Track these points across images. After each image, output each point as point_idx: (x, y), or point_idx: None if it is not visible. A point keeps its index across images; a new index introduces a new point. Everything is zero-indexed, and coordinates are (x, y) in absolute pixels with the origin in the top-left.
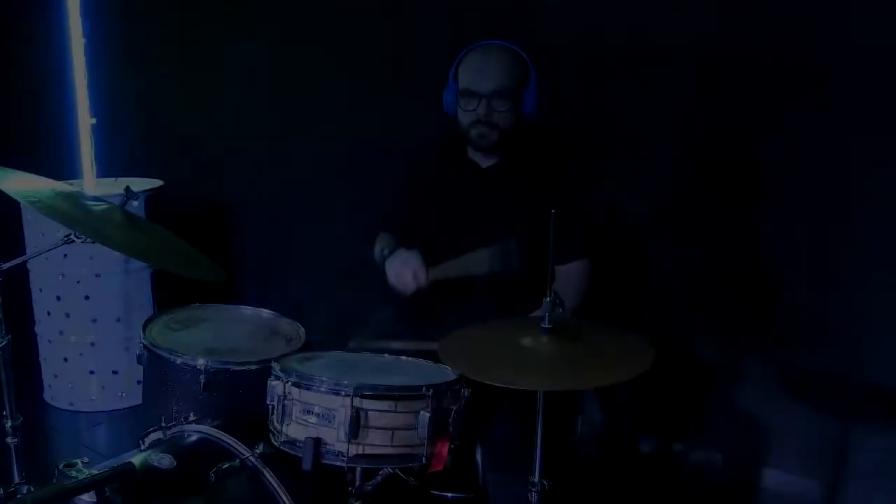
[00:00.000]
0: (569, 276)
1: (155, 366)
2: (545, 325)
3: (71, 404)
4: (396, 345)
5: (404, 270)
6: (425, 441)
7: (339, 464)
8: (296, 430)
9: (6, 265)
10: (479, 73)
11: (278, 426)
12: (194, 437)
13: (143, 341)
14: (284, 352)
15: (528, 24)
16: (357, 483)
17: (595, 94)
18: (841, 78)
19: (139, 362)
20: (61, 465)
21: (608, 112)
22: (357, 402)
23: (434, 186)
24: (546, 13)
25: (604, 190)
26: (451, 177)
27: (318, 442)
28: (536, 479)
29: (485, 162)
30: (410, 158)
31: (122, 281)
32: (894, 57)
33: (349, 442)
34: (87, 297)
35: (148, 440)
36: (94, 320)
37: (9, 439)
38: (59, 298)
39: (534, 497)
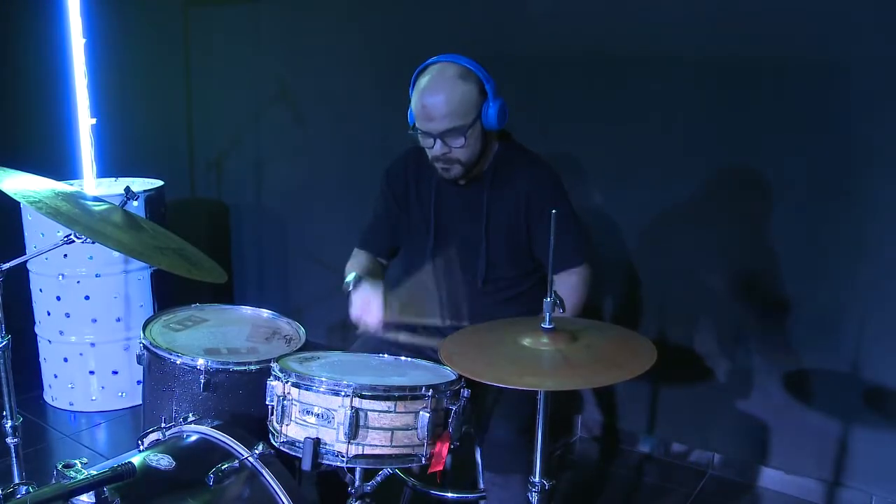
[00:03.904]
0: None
1: (155, 366)
2: (545, 325)
3: (71, 404)
4: (403, 337)
5: (365, 311)
6: (425, 441)
7: (338, 464)
8: (295, 430)
9: (6, 265)
10: (425, 115)
11: (278, 426)
12: (193, 438)
13: (143, 341)
14: (284, 352)
15: (522, 28)
16: (357, 483)
17: (595, 94)
18: (835, 79)
19: (139, 362)
20: (60, 466)
21: (607, 113)
22: (356, 402)
23: (409, 200)
24: (539, 19)
25: (604, 191)
26: (426, 190)
27: (317, 442)
28: (536, 479)
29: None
30: (386, 172)
31: (122, 281)
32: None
33: (349, 442)
34: (87, 297)
35: (147, 440)
36: (94, 320)
37: (9, 439)
38: (59, 298)
39: (534, 497)
